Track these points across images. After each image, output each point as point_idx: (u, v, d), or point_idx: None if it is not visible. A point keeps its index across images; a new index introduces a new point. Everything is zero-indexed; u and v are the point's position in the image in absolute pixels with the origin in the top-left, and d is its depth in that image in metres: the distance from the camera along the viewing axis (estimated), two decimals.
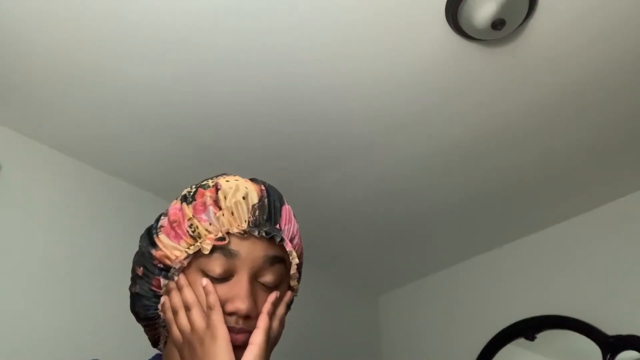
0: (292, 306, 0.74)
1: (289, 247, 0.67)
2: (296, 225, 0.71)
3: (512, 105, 1.41)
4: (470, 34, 1.18)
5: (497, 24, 1.13)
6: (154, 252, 0.67)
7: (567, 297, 1.77)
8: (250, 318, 0.63)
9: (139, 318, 0.72)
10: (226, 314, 0.62)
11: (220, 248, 0.64)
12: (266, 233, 0.65)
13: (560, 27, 1.20)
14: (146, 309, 0.69)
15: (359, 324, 2.23)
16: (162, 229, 0.67)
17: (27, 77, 1.29)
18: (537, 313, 1.81)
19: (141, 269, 0.68)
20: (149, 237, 0.69)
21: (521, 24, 1.17)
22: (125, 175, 1.62)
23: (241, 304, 0.62)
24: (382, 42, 1.23)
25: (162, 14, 1.15)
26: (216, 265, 0.64)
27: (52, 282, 1.37)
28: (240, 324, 0.63)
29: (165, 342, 0.72)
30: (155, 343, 0.75)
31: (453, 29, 1.19)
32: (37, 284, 1.34)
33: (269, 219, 0.67)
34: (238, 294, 0.63)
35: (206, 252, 0.63)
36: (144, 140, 1.49)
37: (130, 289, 0.71)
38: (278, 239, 0.66)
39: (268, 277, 0.66)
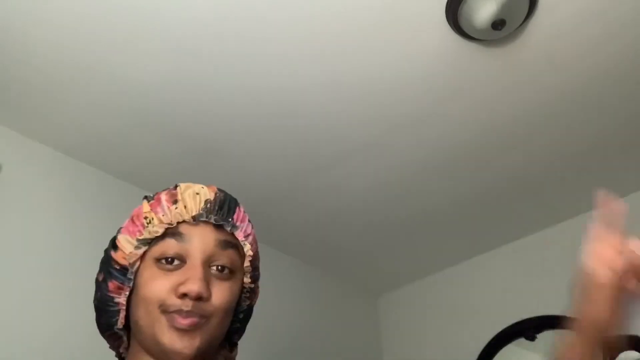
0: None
1: (240, 236, 0.69)
2: (253, 230, 0.73)
3: (512, 105, 1.41)
4: (470, 34, 1.19)
5: (497, 24, 1.13)
6: (113, 254, 0.69)
7: (567, 297, 1.77)
8: (201, 300, 0.64)
9: (102, 330, 0.71)
10: (178, 296, 0.63)
11: (172, 233, 0.66)
12: (215, 220, 0.68)
13: (560, 27, 1.20)
14: (109, 316, 0.69)
15: (359, 324, 2.23)
16: (122, 229, 0.70)
17: (27, 77, 1.29)
18: (537, 313, 1.81)
19: (102, 274, 0.70)
20: (112, 241, 0.71)
21: (521, 24, 1.17)
22: (125, 175, 1.62)
23: (192, 285, 0.63)
24: (383, 43, 1.23)
25: (162, 15, 1.15)
26: (169, 248, 0.66)
27: (52, 281, 1.37)
28: (190, 306, 0.63)
29: (128, 347, 0.71)
30: (119, 355, 0.73)
31: (453, 29, 1.19)
32: (37, 283, 1.34)
33: (220, 210, 0.69)
34: (191, 276, 0.64)
35: (157, 235, 0.66)
36: (144, 141, 1.49)
37: (93, 301, 0.71)
38: (228, 228, 0.68)
39: (221, 261, 0.67)
